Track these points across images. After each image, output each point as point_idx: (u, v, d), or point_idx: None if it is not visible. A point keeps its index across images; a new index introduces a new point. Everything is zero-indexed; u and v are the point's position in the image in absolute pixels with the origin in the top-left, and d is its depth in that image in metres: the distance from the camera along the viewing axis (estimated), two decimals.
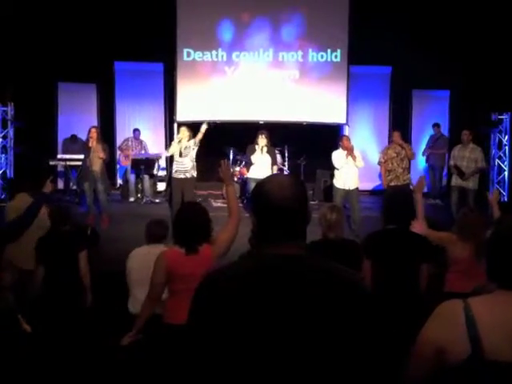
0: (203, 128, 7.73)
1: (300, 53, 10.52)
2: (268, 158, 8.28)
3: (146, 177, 9.83)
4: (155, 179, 10.33)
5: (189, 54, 10.45)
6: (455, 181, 8.38)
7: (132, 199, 9.98)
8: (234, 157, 10.03)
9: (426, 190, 9.88)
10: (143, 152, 10.15)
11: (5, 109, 9.75)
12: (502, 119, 10.12)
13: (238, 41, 10.49)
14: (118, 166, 10.57)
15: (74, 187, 9.76)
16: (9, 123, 9.81)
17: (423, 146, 10.51)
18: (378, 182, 9.90)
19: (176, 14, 10.21)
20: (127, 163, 10.02)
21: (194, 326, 1.43)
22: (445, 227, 4.46)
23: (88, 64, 9.75)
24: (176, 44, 10.33)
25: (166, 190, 10.31)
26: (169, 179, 9.52)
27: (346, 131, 10.44)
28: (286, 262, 1.42)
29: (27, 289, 4.55)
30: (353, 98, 10.65)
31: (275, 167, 8.54)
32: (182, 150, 7.70)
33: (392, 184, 7.97)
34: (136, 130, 10.28)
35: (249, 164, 8.50)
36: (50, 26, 9.46)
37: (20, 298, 3.94)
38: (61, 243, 4.38)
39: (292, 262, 1.42)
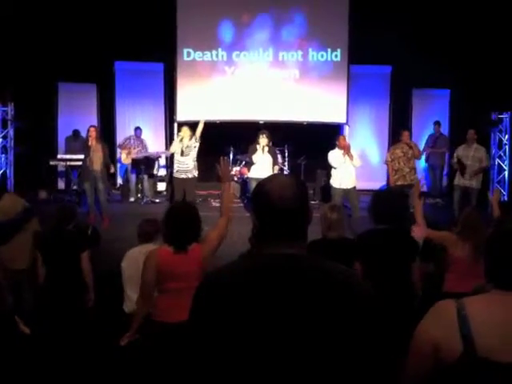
0: (201, 122, 7.99)
1: (300, 52, 10.53)
2: (269, 158, 8.29)
3: (146, 177, 9.82)
4: (155, 179, 10.32)
5: (189, 54, 10.46)
6: (458, 180, 8.38)
7: (132, 199, 9.96)
8: (234, 157, 10.04)
9: (426, 189, 9.90)
10: (144, 151, 10.10)
11: (5, 109, 9.73)
12: (502, 118, 10.11)
13: (237, 40, 10.49)
14: (118, 165, 10.53)
15: (75, 187, 9.76)
16: (9, 123, 9.80)
17: (423, 146, 10.51)
18: (380, 182, 9.88)
19: (176, 14, 10.23)
20: (128, 161, 9.94)
21: (195, 326, 1.44)
22: (445, 227, 4.45)
23: (88, 64, 9.77)
24: (176, 44, 10.35)
25: (166, 190, 10.31)
26: (170, 179, 9.52)
27: (347, 131, 10.45)
28: (286, 261, 1.42)
29: (24, 289, 4.56)
30: (353, 97, 10.65)
31: (276, 167, 8.55)
32: (184, 149, 7.72)
33: (398, 183, 7.96)
34: (138, 129, 10.13)
35: (250, 164, 8.51)
36: (50, 26, 9.47)
37: (17, 299, 3.95)
38: (64, 243, 4.39)
39: (292, 262, 1.42)
